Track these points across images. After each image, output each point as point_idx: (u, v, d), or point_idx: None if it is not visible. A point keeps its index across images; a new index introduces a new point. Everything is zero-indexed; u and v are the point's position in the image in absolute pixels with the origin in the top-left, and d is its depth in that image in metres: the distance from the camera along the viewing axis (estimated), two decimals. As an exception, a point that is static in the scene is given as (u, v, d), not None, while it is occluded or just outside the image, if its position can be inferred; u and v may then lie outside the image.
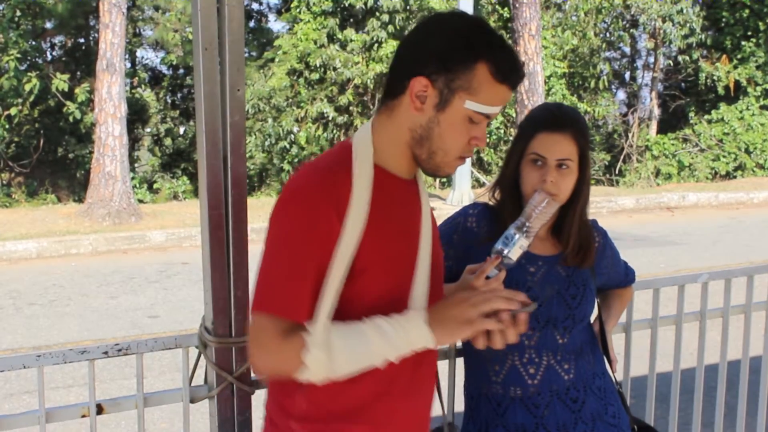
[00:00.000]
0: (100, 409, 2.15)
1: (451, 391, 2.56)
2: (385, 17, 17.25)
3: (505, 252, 1.91)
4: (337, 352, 1.56)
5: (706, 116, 20.29)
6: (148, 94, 19.40)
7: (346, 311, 1.61)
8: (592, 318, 2.33)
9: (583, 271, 2.22)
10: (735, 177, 19.07)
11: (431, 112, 1.61)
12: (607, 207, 14.22)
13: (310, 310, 1.58)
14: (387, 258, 1.63)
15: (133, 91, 18.71)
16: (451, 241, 2.20)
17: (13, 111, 15.83)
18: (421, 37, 1.62)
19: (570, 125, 2.12)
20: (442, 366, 2.58)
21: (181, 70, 20.04)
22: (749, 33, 20.49)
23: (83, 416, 2.15)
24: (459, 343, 2.54)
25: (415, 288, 1.68)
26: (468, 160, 14.40)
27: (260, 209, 10.66)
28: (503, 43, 1.62)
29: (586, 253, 2.21)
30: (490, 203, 2.24)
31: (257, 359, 1.62)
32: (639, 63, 22.87)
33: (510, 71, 1.60)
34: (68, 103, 15.92)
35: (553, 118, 2.14)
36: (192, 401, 2.22)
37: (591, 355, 2.24)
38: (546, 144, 2.11)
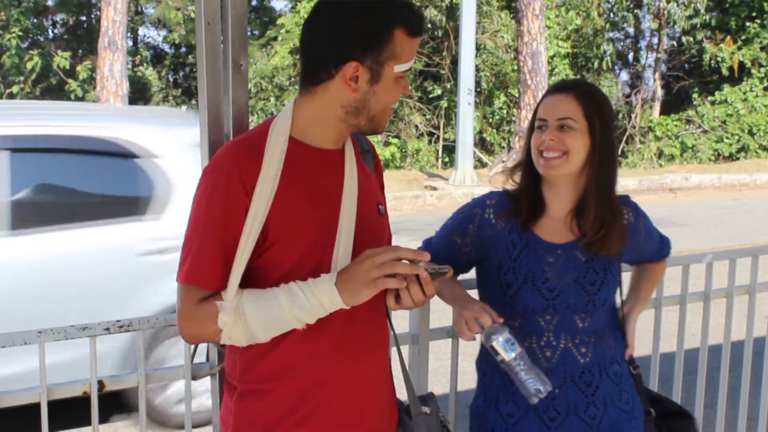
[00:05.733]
0: (101, 386, 2.15)
1: (454, 368, 2.55)
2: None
3: (503, 355, 1.92)
4: (249, 316, 1.66)
5: (709, 97, 20.20)
6: (150, 73, 19.31)
7: (267, 279, 1.70)
8: (618, 298, 2.27)
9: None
10: (738, 158, 19.01)
11: (365, 87, 1.69)
12: (609, 188, 14.15)
13: (223, 279, 1.67)
14: (300, 225, 1.69)
15: (135, 69, 18.63)
16: (467, 231, 2.17)
17: (14, 89, 15.80)
18: (334, 26, 1.68)
19: (573, 87, 2.11)
20: (444, 345, 2.58)
21: (183, 49, 19.96)
22: (754, 14, 20.37)
23: (84, 393, 2.15)
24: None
25: (337, 253, 1.72)
26: (470, 141, 14.44)
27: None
28: None
29: (605, 239, 2.10)
30: (509, 187, 2.21)
31: (180, 326, 1.73)
32: (643, 44, 22.79)
33: (419, 22, 1.70)
34: (70, 81, 15.87)
35: (558, 84, 2.16)
36: (194, 378, 2.21)
37: (612, 338, 2.20)
38: (547, 106, 2.10)
